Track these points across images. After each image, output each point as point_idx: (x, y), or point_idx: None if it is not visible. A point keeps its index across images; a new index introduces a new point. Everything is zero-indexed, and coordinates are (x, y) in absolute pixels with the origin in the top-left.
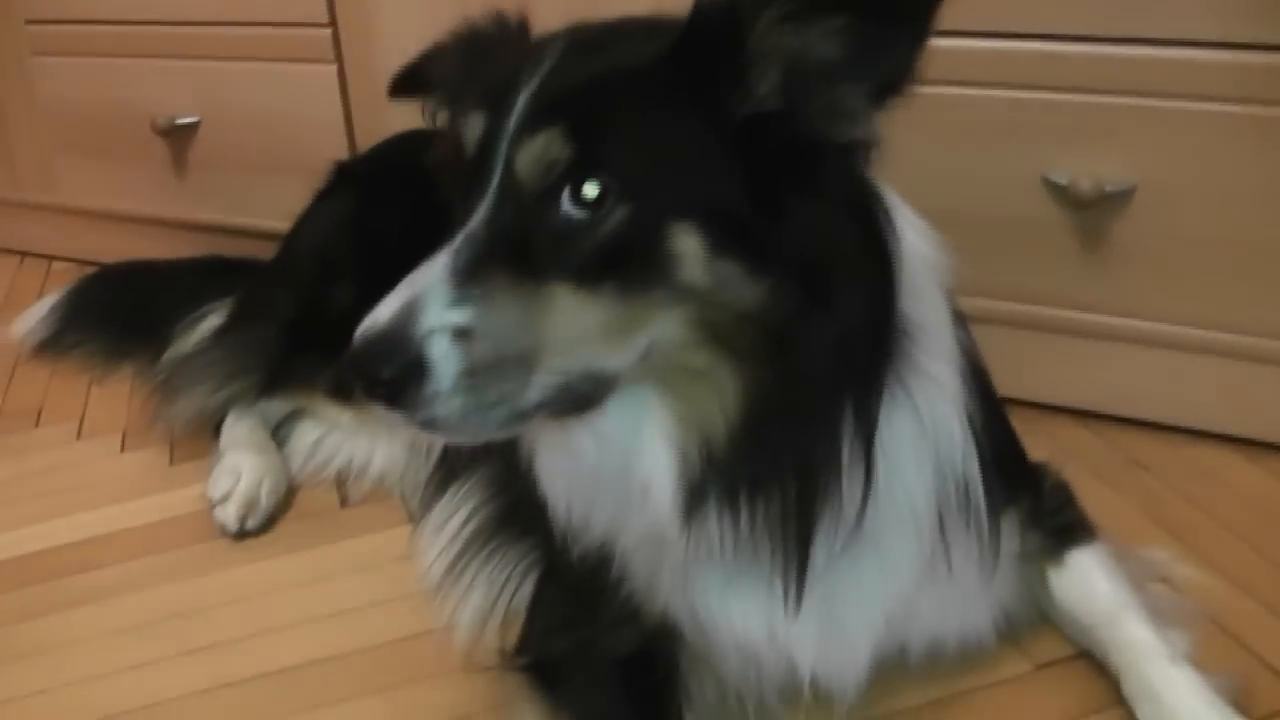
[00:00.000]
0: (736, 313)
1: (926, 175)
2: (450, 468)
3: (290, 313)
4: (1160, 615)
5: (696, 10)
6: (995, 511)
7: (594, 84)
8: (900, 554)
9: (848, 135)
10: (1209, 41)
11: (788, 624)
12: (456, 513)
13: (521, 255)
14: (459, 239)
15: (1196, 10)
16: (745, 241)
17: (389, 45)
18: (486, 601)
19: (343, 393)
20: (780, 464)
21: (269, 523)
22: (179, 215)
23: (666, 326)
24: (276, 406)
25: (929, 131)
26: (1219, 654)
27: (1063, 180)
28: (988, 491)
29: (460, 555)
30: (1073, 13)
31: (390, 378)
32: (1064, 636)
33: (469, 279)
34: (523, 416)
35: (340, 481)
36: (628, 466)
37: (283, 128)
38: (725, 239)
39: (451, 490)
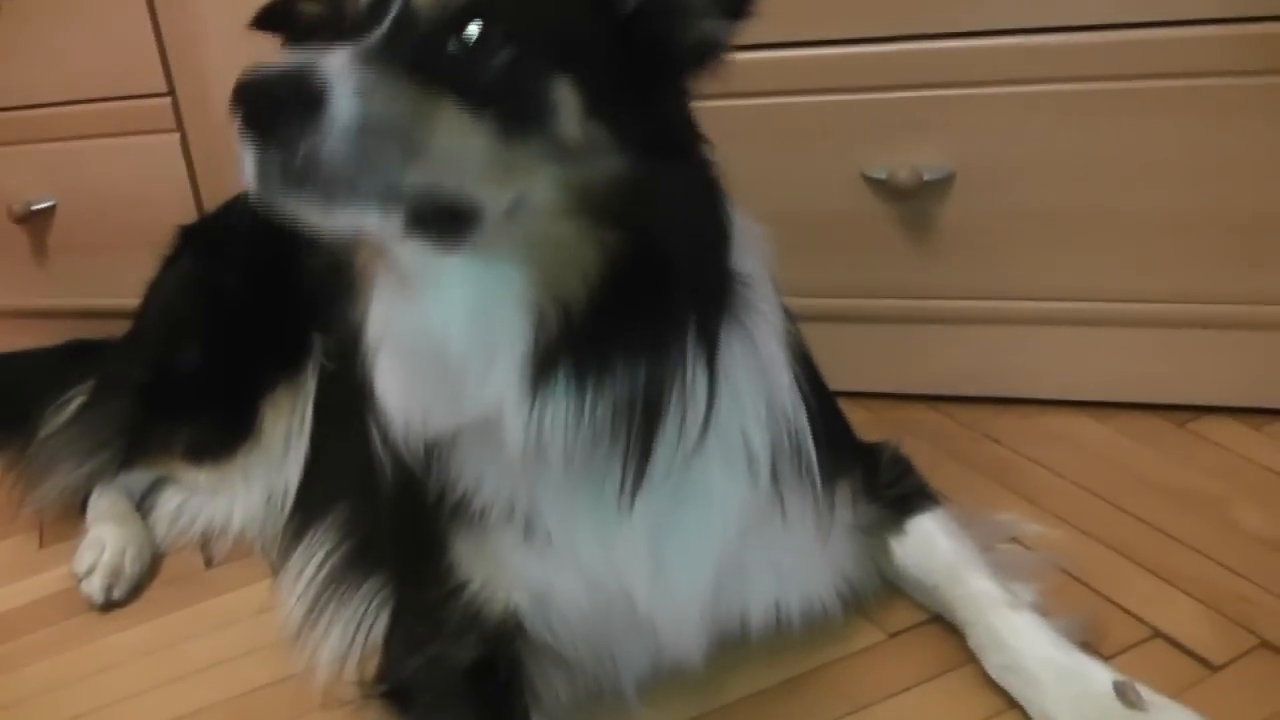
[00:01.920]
0: (603, 180)
1: (750, 182)
2: (305, 516)
3: (142, 381)
4: (1008, 571)
5: None
6: (829, 479)
7: None
8: (732, 492)
9: (703, 37)
10: (1002, 29)
11: (624, 541)
12: (312, 558)
13: (414, 70)
14: (353, 46)
15: (987, 1)
16: (616, 112)
17: (225, 110)
18: (344, 640)
19: (200, 453)
20: (632, 344)
21: (135, 591)
22: (42, 303)
23: (539, 185)
24: (138, 477)
25: (747, 141)
26: (1071, 600)
27: (881, 174)
28: (820, 461)
29: (317, 598)
30: (872, 15)
31: (286, 92)
32: (915, 604)
33: (368, 66)
34: (393, 200)
35: (204, 543)
36: (479, 337)
37: (135, 201)
38: (599, 102)
39: (306, 537)
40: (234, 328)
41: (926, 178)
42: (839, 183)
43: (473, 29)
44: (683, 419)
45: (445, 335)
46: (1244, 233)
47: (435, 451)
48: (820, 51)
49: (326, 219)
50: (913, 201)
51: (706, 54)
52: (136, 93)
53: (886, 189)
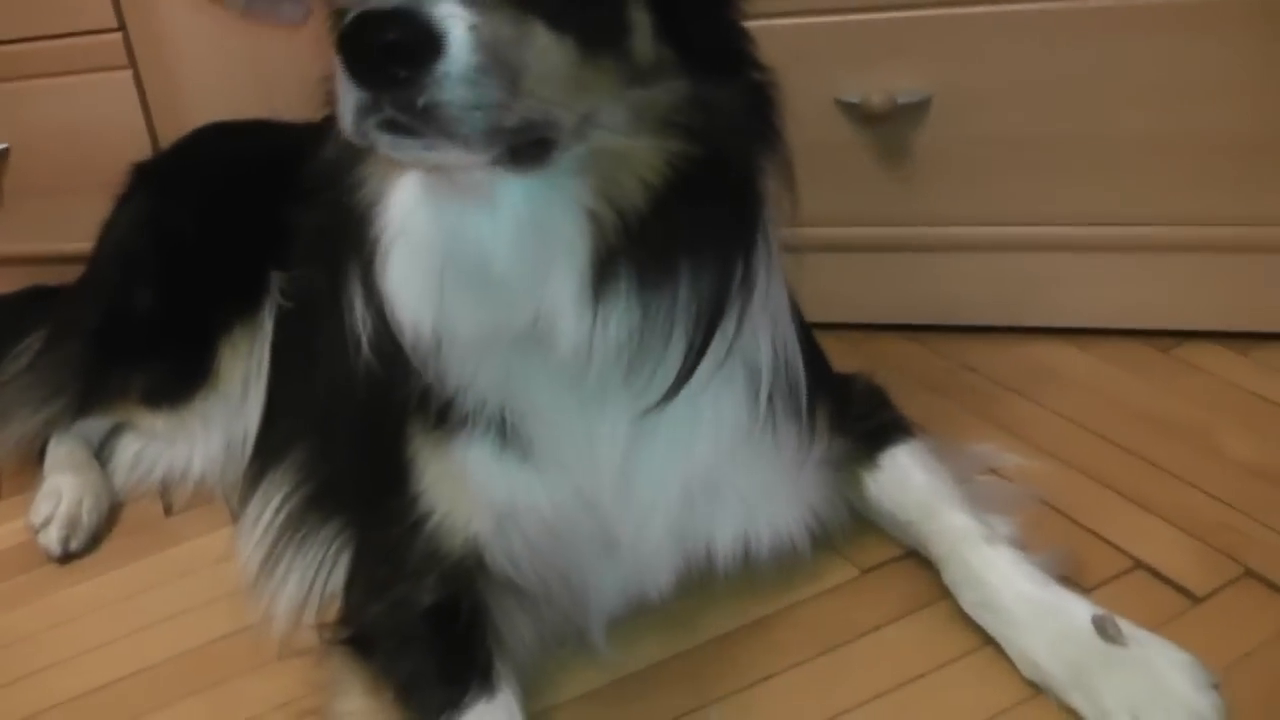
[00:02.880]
0: (668, 97)
1: None
2: (264, 460)
3: (96, 325)
4: (986, 503)
5: None
6: (808, 410)
7: None
8: (728, 411)
9: None
10: None
11: (605, 448)
12: (270, 503)
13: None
14: None
15: None
16: (682, 31)
17: (179, 45)
18: (302, 586)
19: (157, 398)
20: (695, 249)
21: (94, 542)
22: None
23: (609, 103)
24: (95, 424)
25: None
26: (1051, 532)
27: (855, 99)
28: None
29: (274, 544)
30: None
31: (405, 41)
32: (888, 539)
33: None
34: (498, 135)
35: (164, 490)
36: (533, 247)
37: (89, 142)
38: (668, 21)
39: (265, 482)
40: (189, 267)
41: (901, 102)
42: (812, 108)
43: None
44: (729, 320)
45: (494, 245)
46: (1231, 154)
47: (427, 355)
48: None
49: (426, 159)
50: (887, 127)
51: None
52: (86, 29)
53: (860, 114)
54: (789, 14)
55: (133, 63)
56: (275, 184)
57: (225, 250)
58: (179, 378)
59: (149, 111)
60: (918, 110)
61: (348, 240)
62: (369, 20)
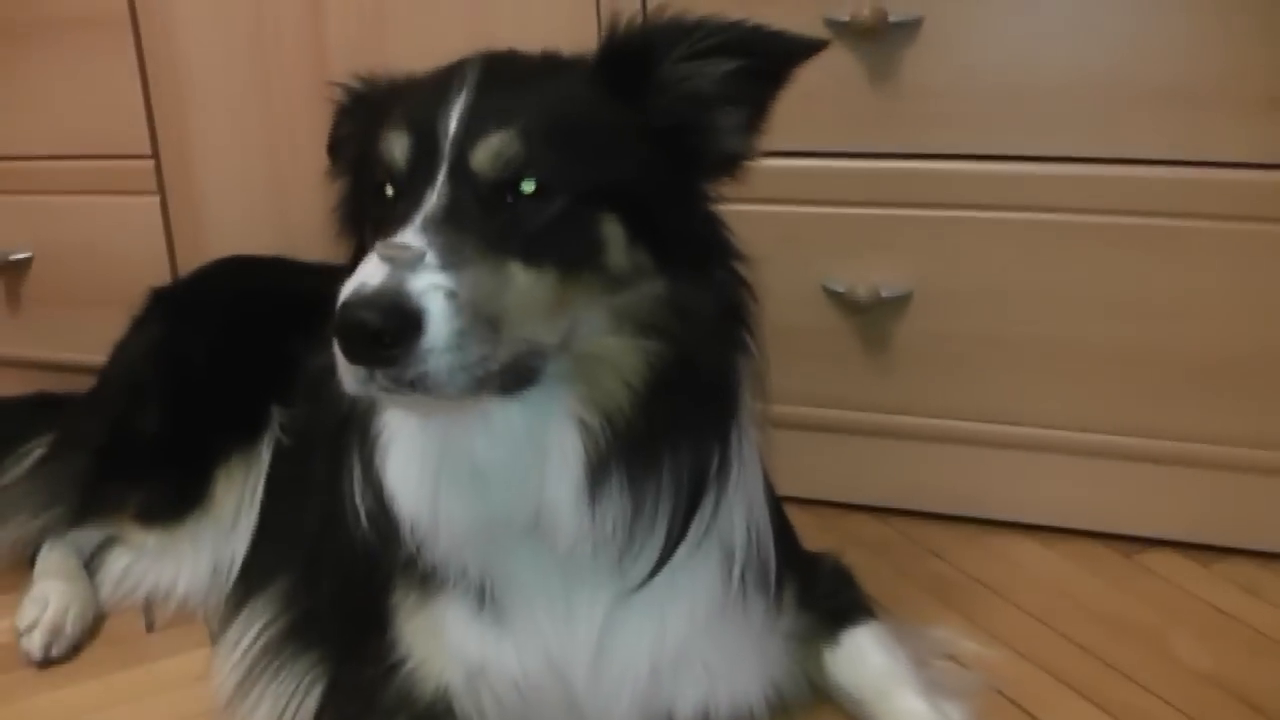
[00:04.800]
0: (646, 299)
1: None
2: (248, 587)
3: (101, 440)
4: (942, 688)
5: (612, 42)
6: (776, 585)
7: (533, 96)
8: (701, 588)
9: (731, 149)
10: (966, 154)
11: (582, 623)
12: (250, 629)
13: (481, 235)
14: (419, 219)
15: (956, 125)
16: (655, 234)
17: (207, 175)
18: (273, 715)
19: (150, 516)
20: (675, 443)
21: (75, 650)
22: (12, 353)
23: (589, 314)
24: (88, 535)
25: None
26: None
27: (841, 288)
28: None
29: (250, 670)
30: (839, 130)
31: (389, 329)
32: (845, 714)
33: (446, 250)
34: (486, 381)
35: (148, 606)
36: (529, 456)
37: (110, 260)
38: (640, 229)
39: (247, 608)
40: (195, 395)
41: (884, 294)
42: (800, 292)
43: (528, 183)
44: (709, 503)
45: (490, 455)
46: (1196, 372)
47: (421, 539)
48: (788, 163)
49: (423, 407)
50: (870, 317)
51: (732, 164)
52: (121, 153)
53: (845, 302)
54: (783, 201)
55: (161, 189)
56: (286, 321)
57: (232, 382)
58: (174, 499)
59: (171, 238)
60: (900, 304)
61: (352, 427)
62: (358, 305)
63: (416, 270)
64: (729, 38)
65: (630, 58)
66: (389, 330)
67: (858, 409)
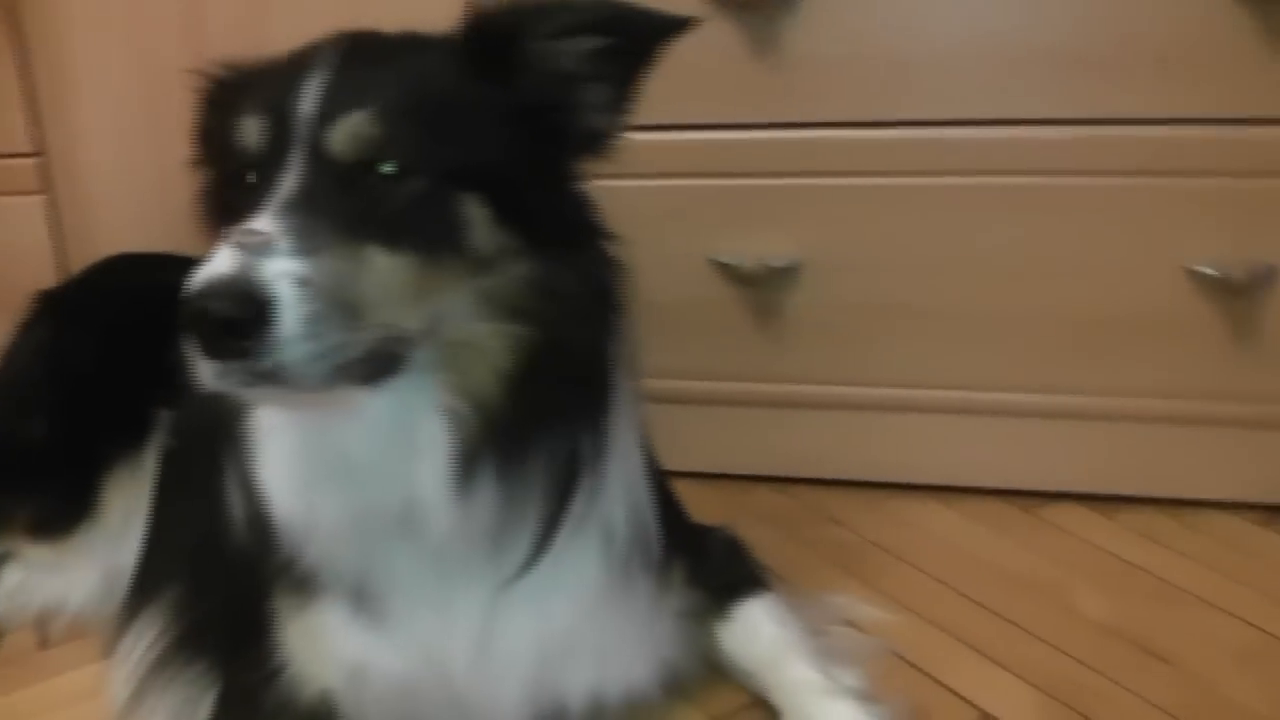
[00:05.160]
0: (512, 282)
1: None
2: (140, 597)
3: None
4: (837, 654)
5: (476, 21)
6: (664, 565)
7: (393, 75)
8: (584, 576)
9: (598, 126)
10: (850, 122)
11: (462, 619)
12: (142, 641)
13: (337, 219)
14: (273, 204)
15: (841, 93)
16: (520, 214)
17: (95, 171)
18: None
19: (41, 530)
20: (546, 432)
21: None
22: None
23: (455, 298)
24: None
25: None
26: (901, 683)
27: (729, 260)
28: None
29: (143, 682)
30: (722, 101)
31: (239, 318)
32: (740, 688)
33: (299, 235)
34: (346, 370)
35: (41, 622)
36: (398, 447)
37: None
38: (505, 210)
39: (140, 619)
40: (83, 400)
41: (774, 265)
42: (687, 266)
43: (387, 164)
44: (585, 493)
45: (359, 447)
46: (1090, 326)
47: (296, 538)
48: (674, 135)
49: (283, 401)
50: (760, 288)
51: (599, 142)
52: (4, 152)
53: (734, 274)
54: (668, 175)
55: (48, 189)
56: (173, 319)
57: (119, 385)
58: (64, 509)
59: (61, 238)
60: (789, 273)
61: (224, 428)
62: (205, 295)
63: (268, 257)
64: (595, 15)
65: (494, 36)
66: (238, 320)
67: (752, 380)
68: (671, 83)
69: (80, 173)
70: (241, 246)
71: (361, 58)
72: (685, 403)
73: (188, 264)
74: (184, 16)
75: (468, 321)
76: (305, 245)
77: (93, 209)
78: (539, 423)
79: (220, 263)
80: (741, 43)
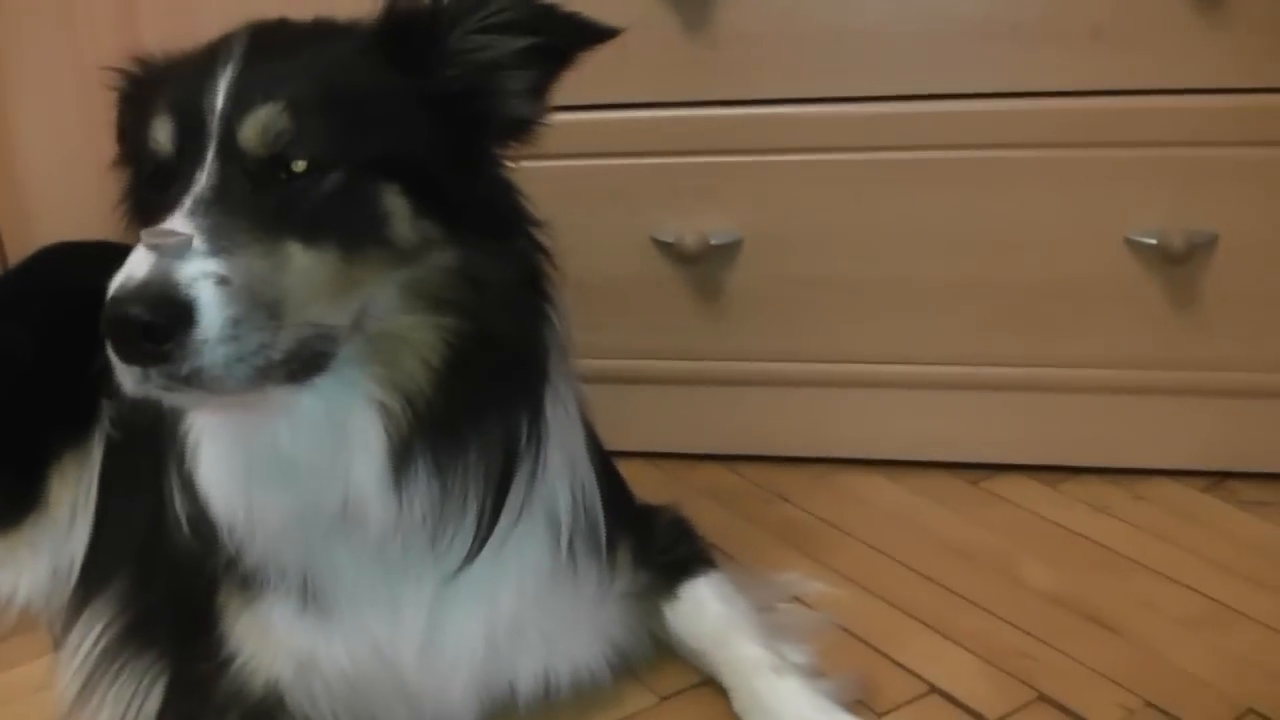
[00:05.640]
0: (437, 272)
1: None
2: (87, 589)
3: None
4: (784, 631)
5: (394, 10)
6: (609, 547)
7: (303, 67)
8: (530, 562)
9: (520, 113)
10: (789, 98)
11: (408, 609)
12: (90, 632)
13: (254, 216)
14: (188, 203)
15: (776, 70)
16: (443, 204)
17: (30, 160)
18: (115, 718)
19: None
20: (480, 422)
21: None
22: None
23: (379, 291)
24: None
25: (536, 203)
26: (848, 658)
27: (669, 238)
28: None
29: (91, 674)
30: (661, 79)
31: (158, 323)
32: (688, 666)
33: (216, 234)
34: (269, 371)
35: None
36: (330, 443)
37: None
38: (426, 200)
39: (88, 610)
40: (24, 392)
41: (714, 242)
42: (628, 246)
43: (301, 158)
44: (523, 480)
45: (293, 445)
46: (1029, 297)
47: (239, 538)
48: (610, 115)
49: (207, 405)
50: (701, 266)
51: (520, 128)
52: None
53: (675, 253)
54: (606, 154)
55: None
56: None
57: (61, 376)
58: (9, 502)
59: None
60: (730, 251)
61: (164, 427)
62: (121, 301)
63: (184, 258)
64: (520, 15)
65: (413, 26)
66: (157, 325)
67: (697, 359)
68: (607, 61)
69: (15, 163)
70: (157, 248)
71: (270, 49)
72: (629, 382)
73: (127, 253)
74: (117, 6)
75: (393, 315)
76: (222, 244)
77: (30, 199)
78: (471, 413)
79: (137, 266)
80: (673, 21)
